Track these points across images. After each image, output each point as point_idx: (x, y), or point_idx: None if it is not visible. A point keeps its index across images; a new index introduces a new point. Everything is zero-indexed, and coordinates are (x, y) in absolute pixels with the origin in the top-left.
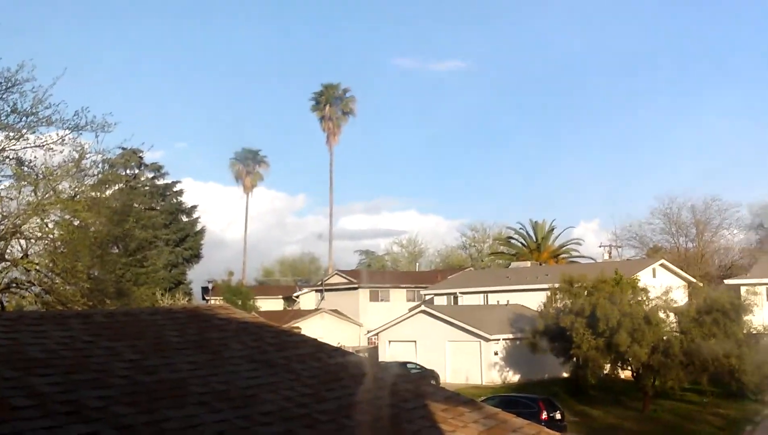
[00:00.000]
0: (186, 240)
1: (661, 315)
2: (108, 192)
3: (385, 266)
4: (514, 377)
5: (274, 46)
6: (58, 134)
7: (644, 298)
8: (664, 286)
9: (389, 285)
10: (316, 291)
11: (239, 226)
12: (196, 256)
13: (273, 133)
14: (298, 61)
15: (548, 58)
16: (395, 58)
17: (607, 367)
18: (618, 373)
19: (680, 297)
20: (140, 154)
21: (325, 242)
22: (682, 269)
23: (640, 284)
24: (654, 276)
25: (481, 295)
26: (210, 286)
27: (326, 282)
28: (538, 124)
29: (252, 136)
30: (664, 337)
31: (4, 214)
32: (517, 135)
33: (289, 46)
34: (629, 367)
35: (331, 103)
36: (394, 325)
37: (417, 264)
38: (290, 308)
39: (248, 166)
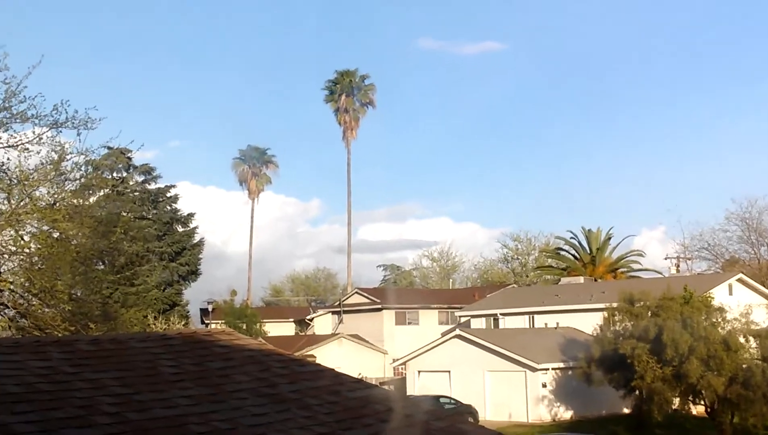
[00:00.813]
0: (182, 254)
1: (741, 340)
2: (92, 199)
3: (414, 283)
4: (565, 413)
5: (280, 29)
6: (34, 132)
7: (720, 320)
8: (742, 305)
9: (418, 305)
10: (333, 313)
11: (244, 238)
12: (193, 273)
13: (282, 128)
14: (308, 44)
15: (601, 37)
16: (420, 39)
17: (676, 401)
18: (689, 408)
19: (762, 318)
20: (129, 155)
21: (342, 256)
22: (764, 285)
23: (715, 303)
24: (730, 293)
25: (526, 316)
26: (210, 307)
27: (345, 302)
28: (590, 115)
29: (258, 132)
30: (744, 366)
31: None
32: (566, 128)
33: (298, 26)
34: (702, 401)
35: (347, 93)
36: (425, 352)
37: (450, 281)
38: (303, 333)
39: (254, 166)
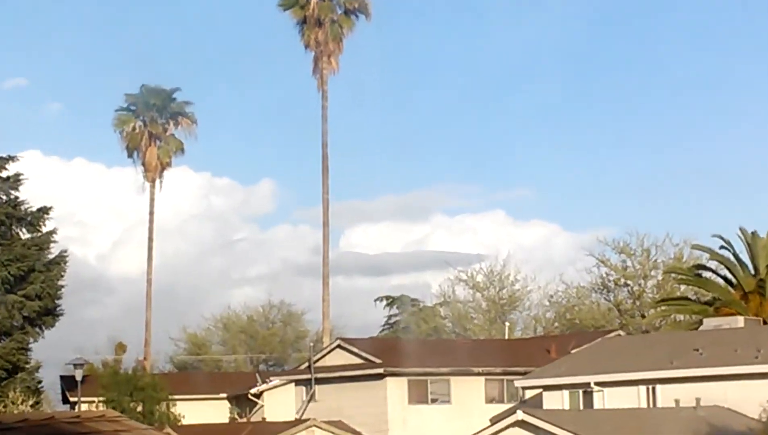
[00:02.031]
0: (28, 279)
1: None
2: None
3: (441, 329)
4: None
5: None
6: None
7: None
8: None
9: (449, 369)
10: (299, 383)
11: (138, 250)
12: (49, 313)
13: (204, 54)
14: None
15: None
16: None
17: None
18: None
19: None
20: None
21: (314, 280)
22: None
23: None
24: None
25: (642, 387)
26: (79, 374)
27: (318, 364)
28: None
29: (161, 62)
30: None
31: None
32: (695, 69)
33: None
34: None
35: None
36: None
37: (507, 324)
38: (245, 419)
39: (153, 123)
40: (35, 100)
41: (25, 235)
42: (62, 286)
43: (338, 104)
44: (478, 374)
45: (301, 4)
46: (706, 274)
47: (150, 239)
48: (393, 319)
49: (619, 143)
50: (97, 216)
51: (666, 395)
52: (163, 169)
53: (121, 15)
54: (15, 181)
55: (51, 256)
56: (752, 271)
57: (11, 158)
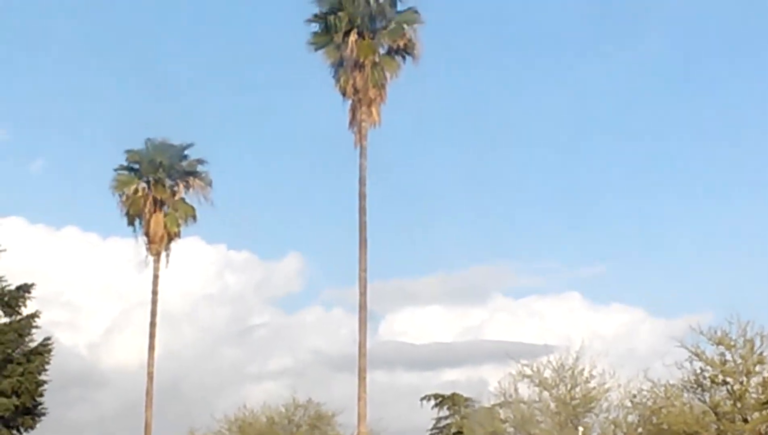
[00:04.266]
0: (4, 371)
1: None
2: None
3: (499, 433)
4: None
5: None
6: None
7: None
8: None
9: None
10: None
11: (138, 337)
12: (29, 412)
13: (219, 104)
14: None
15: None
16: None
17: None
18: None
19: None
20: None
21: (349, 374)
22: None
23: None
24: None
25: None
26: None
27: None
28: None
29: (169, 113)
30: None
31: None
32: None
33: None
34: None
35: (359, 27)
36: None
37: (579, 429)
38: None
39: (159, 186)
40: (18, 156)
41: (1, 318)
42: (45, 381)
43: (379, 163)
44: None
45: (336, 43)
46: None
47: (152, 325)
48: (443, 422)
49: (715, 210)
50: (90, 296)
51: None
52: (170, 240)
53: (123, 53)
54: None
55: (32, 345)
56: None
57: None
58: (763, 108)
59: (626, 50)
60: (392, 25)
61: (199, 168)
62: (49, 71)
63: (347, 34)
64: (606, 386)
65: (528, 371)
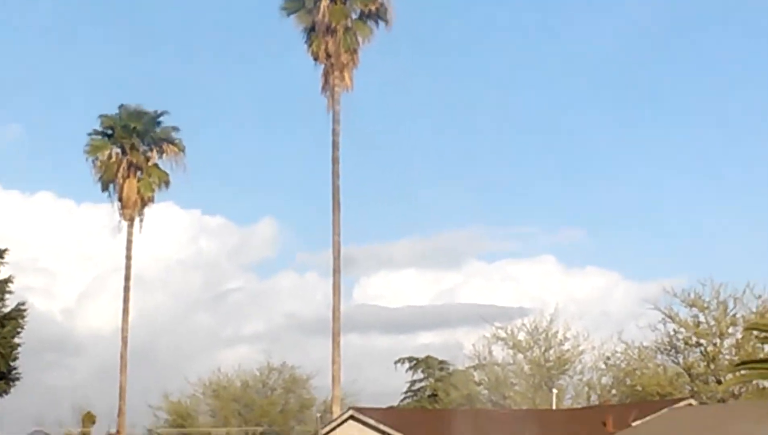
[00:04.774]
0: None
1: None
2: None
3: (474, 396)
4: None
5: None
6: None
7: None
8: None
9: None
10: None
11: (111, 302)
12: (3, 377)
13: (190, 72)
14: None
15: None
16: None
17: None
18: None
19: None
20: None
21: (323, 337)
22: None
23: None
24: None
25: None
26: None
27: None
28: None
29: (142, 81)
30: None
31: None
32: None
33: None
34: None
35: None
36: None
37: (554, 391)
38: None
39: (132, 150)
40: None
41: None
42: (18, 345)
43: (351, 127)
44: None
45: (308, 8)
46: None
47: (126, 289)
48: (417, 385)
49: (691, 175)
50: (64, 261)
51: None
52: (143, 205)
53: (96, 20)
54: None
55: (6, 310)
56: None
57: None
58: (746, 70)
59: (614, 7)
60: None
61: (173, 134)
62: (24, 35)
63: (317, 0)
64: (580, 348)
65: (502, 334)
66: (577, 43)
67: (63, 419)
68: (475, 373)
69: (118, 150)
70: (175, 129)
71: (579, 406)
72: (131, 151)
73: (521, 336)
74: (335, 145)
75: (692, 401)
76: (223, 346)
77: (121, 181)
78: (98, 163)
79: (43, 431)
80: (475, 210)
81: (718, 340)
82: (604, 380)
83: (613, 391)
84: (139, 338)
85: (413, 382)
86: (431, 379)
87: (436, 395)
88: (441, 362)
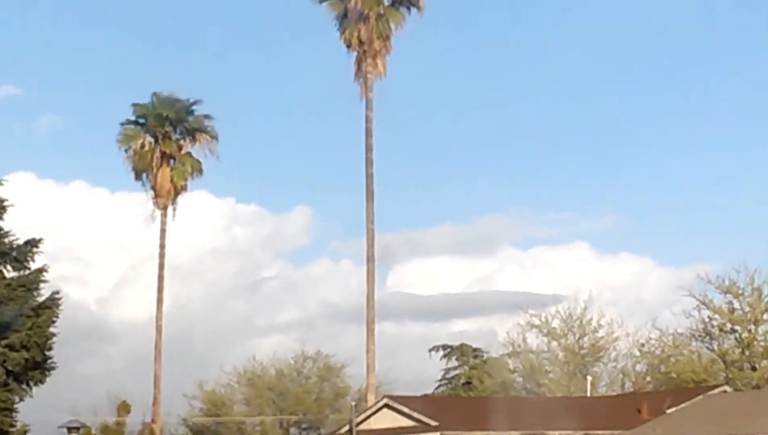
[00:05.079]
0: (13, 326)
1: None
2: None
3: (508, 384)
4: None
5: None
6: None
7: None
8: None
9: (518, 433)
10: None
11: (146, 291)
12: (39, 366)
13: (225, 62)
14: None
15: None
16: None
17: None
18: None
19: None
20: None
21: (357, 326)
22: None
23: None
24: None
25: None
26: None
27: (362, 427)
28: None
29: (176, 70)
30: None
31: None
32: None
33: None
34: None
35: None
36: None
37: (589, 378)
38: None
39: (166, 140)
40: (29, 112)
41: (9, 273)
42: (54, 335)
43: (385, 114)
44: None
45: None
46: None
47: (160, 278)
48: (452, 373)
49: (725, 160)
50: (98, 251)
51: None
52: (177, 194)
53: (132, 11)
54: None
55: (40, 299)
56: None
57: None
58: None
59: None
60: None
61: (206, 123)
62: (58, 26)
63: None
64: (614, 335)
65: (536, 321)
66: (616, 24)
67: (98, 408)
68: (509, 361)
69: (151, 139)
70: (208, 117)
71: (614, 394)
72: (164, 140)
73: (555, 323)
74: (368, 133)
75: (727, 388)
76: (258, 334)
77: (154, 169)
78: (131, 153)
79: (78, 420)
80: (509, 197)
81: (752, 327)
82: (638, 367)
83: (648, 378)
84: (174, 327)
85: (447, 370)
86: (465, 367)
87: (470, 383)
88: (475, 350)
